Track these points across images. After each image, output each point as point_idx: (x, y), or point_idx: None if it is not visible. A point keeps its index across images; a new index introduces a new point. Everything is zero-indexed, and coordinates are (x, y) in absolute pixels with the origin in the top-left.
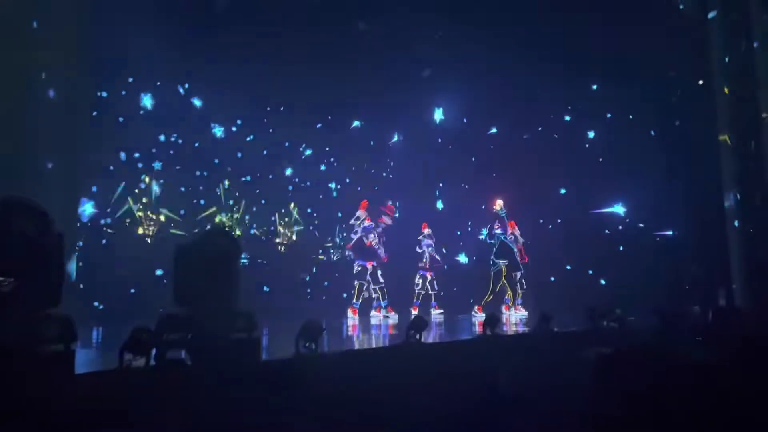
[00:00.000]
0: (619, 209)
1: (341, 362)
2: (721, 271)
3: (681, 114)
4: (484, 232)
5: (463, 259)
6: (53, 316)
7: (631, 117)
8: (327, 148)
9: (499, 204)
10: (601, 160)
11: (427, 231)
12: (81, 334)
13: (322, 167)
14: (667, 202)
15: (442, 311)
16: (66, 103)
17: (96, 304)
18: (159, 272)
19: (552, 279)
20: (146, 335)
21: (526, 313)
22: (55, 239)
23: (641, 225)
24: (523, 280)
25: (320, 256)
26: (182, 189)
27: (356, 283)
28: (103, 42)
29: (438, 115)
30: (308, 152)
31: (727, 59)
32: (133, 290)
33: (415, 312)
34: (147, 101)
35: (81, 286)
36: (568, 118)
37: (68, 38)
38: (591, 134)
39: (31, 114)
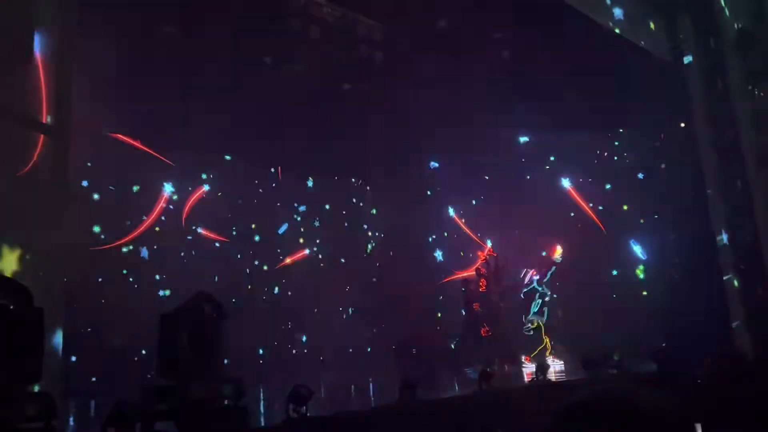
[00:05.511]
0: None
1: (330, 427)
2: (718, 311)
3: (666, 157)
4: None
5: None
6: (33, 393)
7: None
8: (326, 206)
9: (558, 251)
10: (591, 205)
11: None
12: (76, 408)
13: (316, 223)
14: (660, 243)
15: None
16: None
17: (93, 379)
18: None
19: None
20: (130, 408)
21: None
22: (35, 316)
23: (638, 270)
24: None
25: None
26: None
27: None
28: None
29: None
30: (302, 209)
31: (705, 102)
32: (126, 360)
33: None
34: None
35: (73, 358)
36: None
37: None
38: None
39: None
